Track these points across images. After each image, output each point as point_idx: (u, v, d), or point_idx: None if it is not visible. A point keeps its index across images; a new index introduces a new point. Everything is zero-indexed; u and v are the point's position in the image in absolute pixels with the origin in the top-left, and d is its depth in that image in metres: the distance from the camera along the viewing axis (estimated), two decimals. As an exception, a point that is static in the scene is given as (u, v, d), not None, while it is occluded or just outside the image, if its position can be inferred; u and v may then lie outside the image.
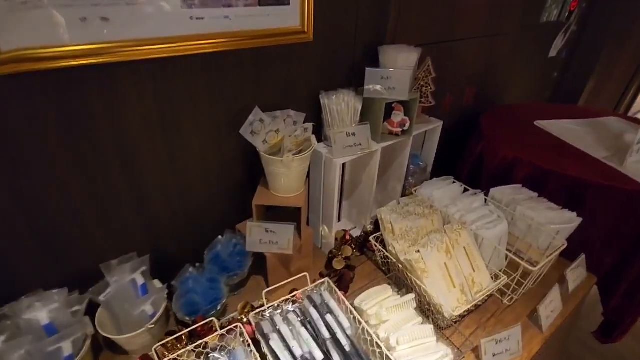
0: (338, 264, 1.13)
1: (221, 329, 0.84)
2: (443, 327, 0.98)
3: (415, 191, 1.26)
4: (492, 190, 1.23)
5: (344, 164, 1.09)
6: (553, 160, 1.36)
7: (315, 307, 0.86)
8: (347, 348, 0.79)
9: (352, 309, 0.86)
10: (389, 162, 1.35)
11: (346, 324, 0.83)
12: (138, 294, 0.87)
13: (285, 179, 0.98)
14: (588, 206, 1.24)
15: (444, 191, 1.24)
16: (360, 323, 0.83)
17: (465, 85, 1.82)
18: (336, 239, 1.22)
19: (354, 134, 1.06)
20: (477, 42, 1.68)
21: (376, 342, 0.79)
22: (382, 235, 1.12)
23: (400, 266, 1.01)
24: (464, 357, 0.91)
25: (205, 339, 0.81)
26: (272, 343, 0.79)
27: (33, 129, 0.71)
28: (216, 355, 0.79)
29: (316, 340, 0.80)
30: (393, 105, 1.15)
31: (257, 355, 0.77)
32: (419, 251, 0.96)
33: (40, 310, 0.74)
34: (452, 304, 0.95)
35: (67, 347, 0.73)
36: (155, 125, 0.86)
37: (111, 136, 0.81)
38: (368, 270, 1.19)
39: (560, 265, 1.15)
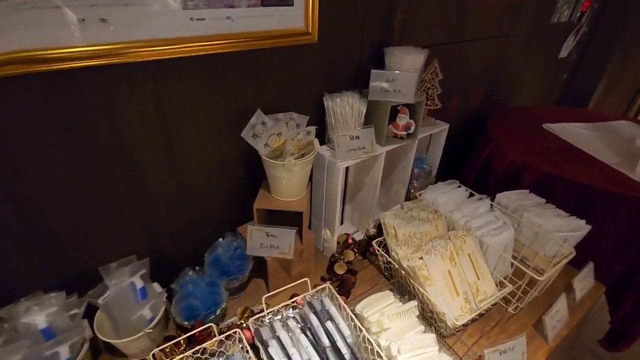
0: (340, 269, 1.11)
1: (220, 334, 0.83)
2: (446, 335, 0.96)
3: (420, 195, 1.24)
4: (499, 196, 1.21)
5: (347, 168, 1.07)
6: (562, 166, 1.33)
7: (315, 313, 0.85)
8: (347, 357, 0.78)
9: (353, 316, 0.84)
10: (393, 165, 1.33)
11: (347, 331, 0.81)
12: (137, 298, 0.86)
13: (287, 183, 0.97)
14: (597, 214, 1.21)
15: (449, 196, 1.22)
16: (360, 331, 0.81)
17: (473, 87, 1.79)
18: (338, 243, 1.20)
19: (357, 137, 1.04)
20: (486, 43, 1.65)
21: (377, 351, 0.78)
22: (385, 239, 1.10)
23: (403, 272, 1.00)
24: (466, 367, 0.90)
25: (204, 345, 0.80)
26: (270, 350, 0.78)
27: (31, 131, 0.70)
28: (214, 361, 0.78)
29: (316, 348, 0.79)
30: (398, 107, 1.13)
31: (256, 362, 0.76)
32: (422, 258, 0.95)
33: (38, 314, 0.74)
34: (455, 312, 0.93)
35: (64, 351, 0.73)
36: (155, 127, 0.85)
37: (110, 138, 0.80)
38: (370, 275, 1.17)
39: (567, 273, 1.12)
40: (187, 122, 0.90)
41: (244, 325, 0.88)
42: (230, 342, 0.82)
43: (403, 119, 1.14)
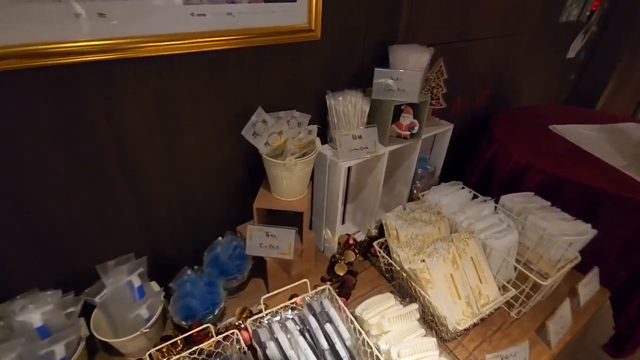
0: (340, 269, 1.10)
1: (218, 334, 0.82)
2: (446, 339, 0.95)
3: (423, 196, 1.22)
4: (503, 198, 1.19)
5: (349, 167, 1.06)
6: (568, 168, 1.31)
7: (314, 315, 0.84)
8: (346, 361, 0.77)
9: (353, 319, 0.83)
10: (396, 165, 1.31)
11: (346, 334, 0.80)
12: (134, 297, 0.86)
13: (288, 182, 0.95)
14: (604, 217, 1.18)
15: (452, 197, 1.20)
16: (360, 334, 0.80)
17: (479, 86, 1.76)
18: (339, 243, 1.19)
19: (360, 137, 1.03)
20: (492, 42, 1.62)
21: (376, 355, 0.77)
22: (386, 240, 1.09)
23: (404, 275, 0.98)
24: (467, 372, 0.89)
25: (201, 345, 0.79)
26: (268, 352, 0.77)
27: (31, 131, 0.69)
28: (211, 362, 0.77)
29: (314, 351, 0.78)
30: (402, 107, 1.11)
31: (253, 364, 0.75)
32: (424, 260, 0.93)
33: (34, 312, 0.73)
34: (457, 316, 0.91)
35: (60, 350, 0.72)
36: (155, 124, 0.84)
37: (110, 138, 0.79)
38: (371, 277, 1.16)
39: (571, 277, 1.10)
40: (187, 122, 0.89)
41: (242, 326, 0.87)
42: (228, 344, 0.81)
43: (407, 119, 1.12)
